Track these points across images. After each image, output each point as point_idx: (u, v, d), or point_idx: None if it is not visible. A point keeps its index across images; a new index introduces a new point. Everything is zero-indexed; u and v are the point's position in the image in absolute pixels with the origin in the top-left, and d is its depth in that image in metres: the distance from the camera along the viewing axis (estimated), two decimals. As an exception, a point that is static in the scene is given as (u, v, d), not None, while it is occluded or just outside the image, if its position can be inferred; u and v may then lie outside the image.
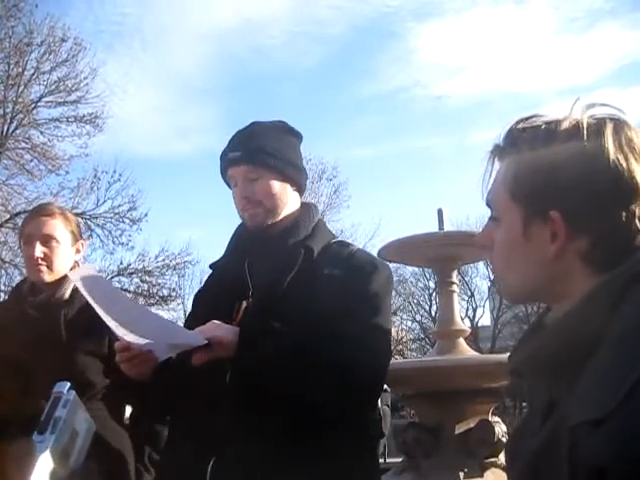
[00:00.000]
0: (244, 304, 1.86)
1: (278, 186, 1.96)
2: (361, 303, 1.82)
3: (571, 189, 0.99)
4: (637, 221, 0.97)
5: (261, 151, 1.95)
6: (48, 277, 2.31)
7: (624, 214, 0.97)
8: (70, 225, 2.39)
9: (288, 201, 1.99)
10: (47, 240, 2.31)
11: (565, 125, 1.02)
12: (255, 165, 1.93)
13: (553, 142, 1.01)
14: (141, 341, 1.68)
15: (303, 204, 2.07)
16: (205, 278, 2.19)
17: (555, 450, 0.89)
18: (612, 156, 0.97)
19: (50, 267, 2.30)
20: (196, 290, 2.17)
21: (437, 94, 43.07)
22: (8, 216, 17.23)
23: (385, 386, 2.08)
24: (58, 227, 2.34)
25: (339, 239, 2.06)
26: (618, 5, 38.68)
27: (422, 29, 42.11)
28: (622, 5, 36.93)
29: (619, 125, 1.00)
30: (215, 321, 1.72)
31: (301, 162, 2.08)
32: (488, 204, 1.11)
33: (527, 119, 1.07)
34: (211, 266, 2.12)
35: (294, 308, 1.77)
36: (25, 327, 2.27)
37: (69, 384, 1.68)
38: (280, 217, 1.97)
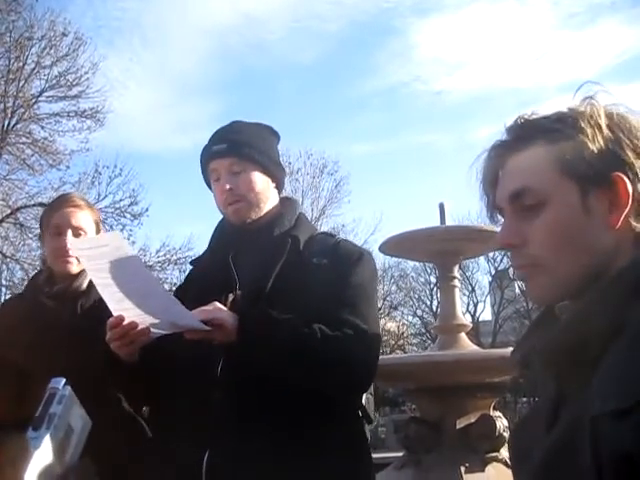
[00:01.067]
0: (231, 297, 1.86)
1: (261, 181, 1.98)
2: (351, 290, 1.84)
3: (629, 144, 0.98)
4: None
5: (247, 145, 1.97)
6: (77, 268, 2.32)
7: None
8: (95, 216, 2.42)
9: (270, 196, 2.01)
10: (76, 231, 2.32)
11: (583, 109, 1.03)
12: (240, 158, 1.95)
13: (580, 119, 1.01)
14: (139, 318, 1.69)
15: (283, 199, 2.10)
16: (187, 273, 2.20)
17: (571, 444, 0.87)
18: None
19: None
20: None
21: (437, 89, 43.20)
22: (9, 211, 17.20)
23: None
24: (86, 218, 2.36)
25: (323, 231, 2.08)
26: (618, 0, 38.61)
27: (422, 25, 42.19)
28: (622, 0, 36.91)
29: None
30: (216, 303, 1.73)
31: (279, 160, 2.11)
32: (518, 195, 1.04)
33: (532, 114, 1.07)
34: (192, 262, 2.14)
35: (285, 297, 1.79)
36: (41, 317, 2.28)
37: (64, 380, 1.68)
38: (263, 212, 1.98)
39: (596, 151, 0.99)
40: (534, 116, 1.07)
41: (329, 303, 1.79)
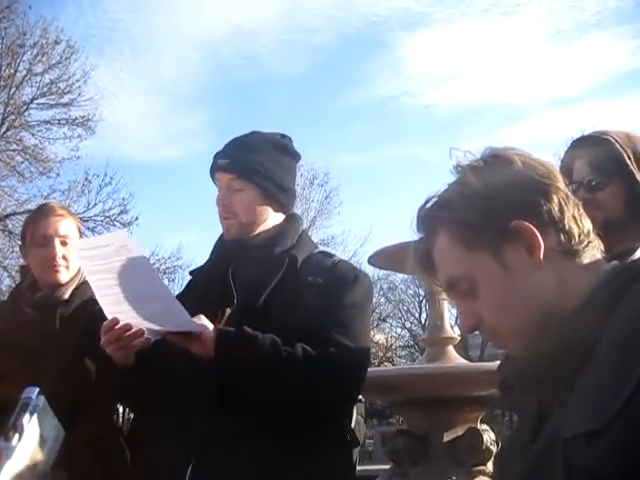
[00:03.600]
0: (228, 311, 1.86)
1: (259, 204, 1.95)
2: (343, 310, 1.83)
3: (510, 191, 1.03)
4: (568, 203, 1.04)
5: (250, 166, 1.93)
6: (66, 277, 2.33)
7: (560, 195, 1.04)
8: (76, 222, 2.44)
9: (267, 219, 1.98)
10: (64, 240, 2.32)
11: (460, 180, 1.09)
12: (240, 176, 1.92)
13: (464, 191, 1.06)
14: (134, 320, 1.67)
15: (288, 214, 2.06)
16: (187, 283, 2.18)
17: (550, 464, 0.88)
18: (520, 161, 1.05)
19: (68, 267, 2.32)
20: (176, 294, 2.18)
21: (426, 103, 43.34)
22: (-2, 218, 17.13)
23: (360, 396, 2.09)
24: (71, 226, 2.37)
25: (322, 249, 2.07)
26: (603, 18, 39.29)
27: (411, 39, 42.40)
28: (607, 18, 37.60)
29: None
30: (202, 316, 1.73)
31: (293, 184, 2.06)
32: (451, 284, 1.09)
33: (425, 204, 1.11)
34: (191, 273, 2.12)
35: (277, 315, 1.79)
36: (19, 324, 2.27)
37: (38, 389, 1.66)
38: (256, 232, 1.96)
39: (483, 213, 1.03)
40: (428, 205, 1.11)
41: (319, 322, 1.78)
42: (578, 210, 1.05)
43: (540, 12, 37.28)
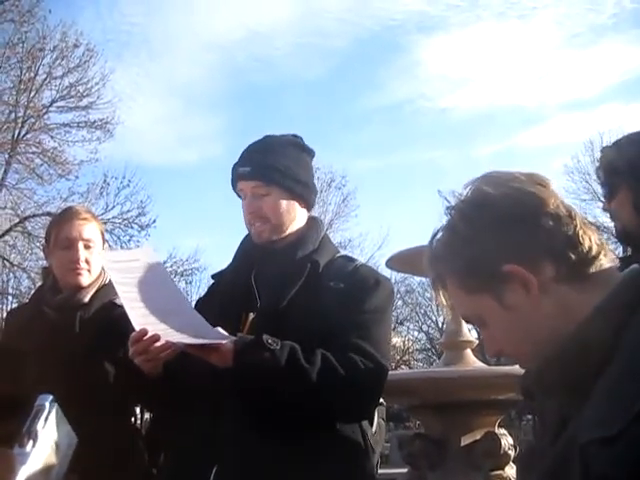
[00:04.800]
0: (251, 315, 1.86)
1: (286, 203, 1.96)
2: (364, 315, 1.83)
3: (496, 234, 1.02)
4: (561, 225, 1.02)
5: (271, 168, 1.94)
6: (88, 280, 2.35)
7: (549, 222, 1.02)
8: (100, 227, 2.45)
9: (295, 218, 2.00)
10: (87, 244, 2.34)
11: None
12: (264, 181, 1.94)
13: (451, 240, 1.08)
14: (162, 332, 1.68)
15: (310, 218, 2.07)
16: (209, 287, 2.19)
17: (567, 469, 0.88)
18: (501, 190, 1.05)
19: (90, 271, 2.34)
20: (198, 297, 2.19)
21: (442, 106, 43.14)
22: (17, 220, 17.28)
23: (381, 399, 2.08)
24: (94, 230, 2.39)
25: (344, 253, 2.07)
26: (620, 21, 38.72)
27: (427, 42, 42.13)
28: (624, 21, 36.95)
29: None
30: (219, 328, 1.73)
31: (312, 179, 2.09)
32: (466, 319, 1.16)
33: (432, 239, 1.13)
34: (214, 276, 2.12)
35: (299, 319, 1.78)
36: (40, 325, 2.29)
37: (51, 397, 1.67)
38: (286, 233, 1.97)
39: (472, 262, 1.04)
40: (433, 243, 1.12)
41: (341, 327, 1.78)
42: (576, 227, 1.03)
43: (556, 15, 37.20)
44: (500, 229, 1.02)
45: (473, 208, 1.06)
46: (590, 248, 1.03)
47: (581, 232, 1.03)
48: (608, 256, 1.05)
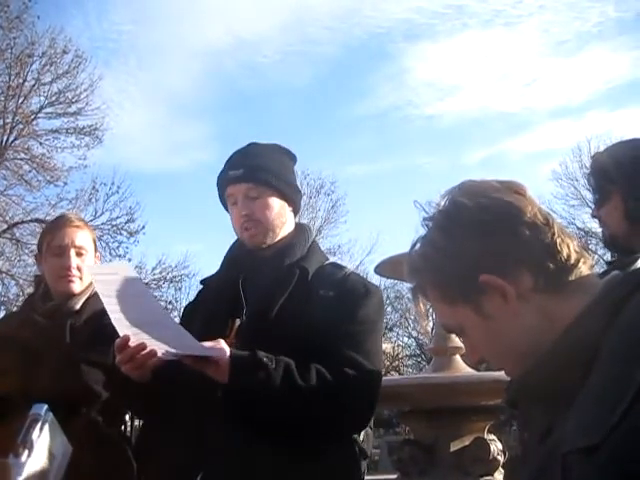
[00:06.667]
0: (237, 322, 1.86)
1: (278, 205, 1.97)
2: (355, 326, 1.82)
3: (472, 246, 1.03)
4: (539, 234, 1.02)
5: (262, 170, 1.95)
6: (79, 287, 2.34)
7: (525, 232, 1.01)
8: (92, 235, 2.45)
9: (286, 221, 2.00)
10: (79, 251, 2.34)
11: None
12: (256, 183, 1.94)
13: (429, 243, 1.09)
14: (147, 341, 1.68)
15: (298, 225, 2.08)
16: (197, 292, 2.19)
17: (549, 478, 0.88)
18: (475, 201, 1.04)
19: (82, 278, 2.33)
20: (186, 303, 2.18)
21: (429, 113, 43.38)
22: (6, 226, 17.20)
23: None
24: (87, 238, 2.39)
25: (333, 260, 2.07)
26: (605, 29, 39.12)
27: (414, 50, 42.24)
28: (609, 29, 37.42)
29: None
30: (221, 341, 1.71)
31: (296, 183, 2.10)
32: (446, 329, 1.15)
33: (412, 248, 1.14)
34: (202, 282, 2.12)
35: (287, 328, 1.78)
36: (30, 332, 2.28)
37: (46, 406, 1.67)
38: (278, 238, 1.97)
39: (449, 274, 1.05)
40: (412, 254, 1.13)
41: (332, 337, 1.77)
42: (554, 235, 1.03)
43: (542, 23, 37.40)
44: (476, 240, 1.03)
45: (449, 220, 1.06)
46: (569, 256, 1.02)
47: (559, 240, 1.03)
48: (587, 263, 1.04)
